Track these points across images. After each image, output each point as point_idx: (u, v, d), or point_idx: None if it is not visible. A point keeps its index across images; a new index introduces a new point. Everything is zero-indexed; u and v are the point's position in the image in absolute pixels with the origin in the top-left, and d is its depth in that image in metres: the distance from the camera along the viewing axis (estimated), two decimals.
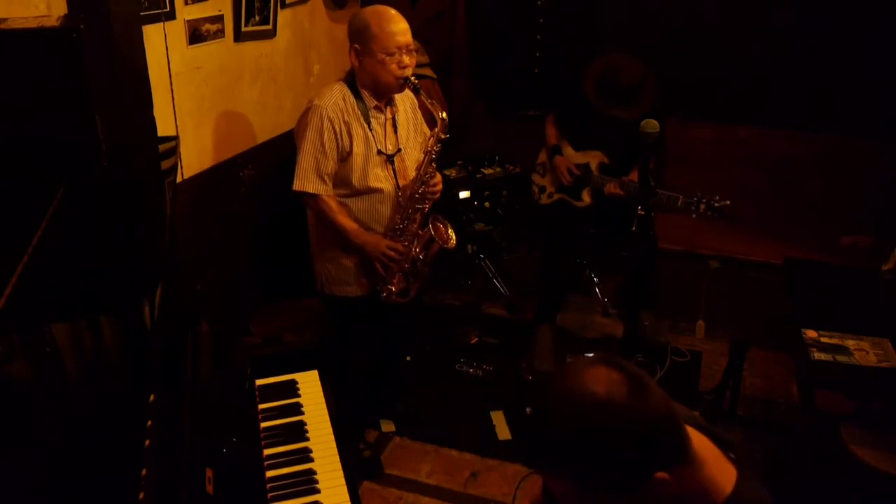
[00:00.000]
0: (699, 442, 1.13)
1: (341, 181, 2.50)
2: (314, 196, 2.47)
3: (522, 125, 4.31)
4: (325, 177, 2.46)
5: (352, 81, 2.49)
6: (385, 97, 2.51)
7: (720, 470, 1.12)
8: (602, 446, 1.02)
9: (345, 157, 2.46)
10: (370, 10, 2.42)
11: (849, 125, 3.93)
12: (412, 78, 2.41)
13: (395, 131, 2.56)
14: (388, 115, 2.54)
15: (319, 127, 2.41)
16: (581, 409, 1.03)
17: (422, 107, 2.69)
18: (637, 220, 2.70)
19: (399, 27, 2.38)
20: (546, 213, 3.70)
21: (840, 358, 2.36)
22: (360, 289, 2.62)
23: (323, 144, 2.42)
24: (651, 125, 2.58)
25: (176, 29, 2.61)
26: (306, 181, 2.45)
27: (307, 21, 3.44)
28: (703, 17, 4.08)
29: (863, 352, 2.39)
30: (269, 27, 3.13)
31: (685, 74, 3.90)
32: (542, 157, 3.70)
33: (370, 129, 2.47)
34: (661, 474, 1.03)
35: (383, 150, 2.51)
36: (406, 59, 2.40)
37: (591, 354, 1.11)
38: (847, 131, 3.96)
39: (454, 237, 2.64)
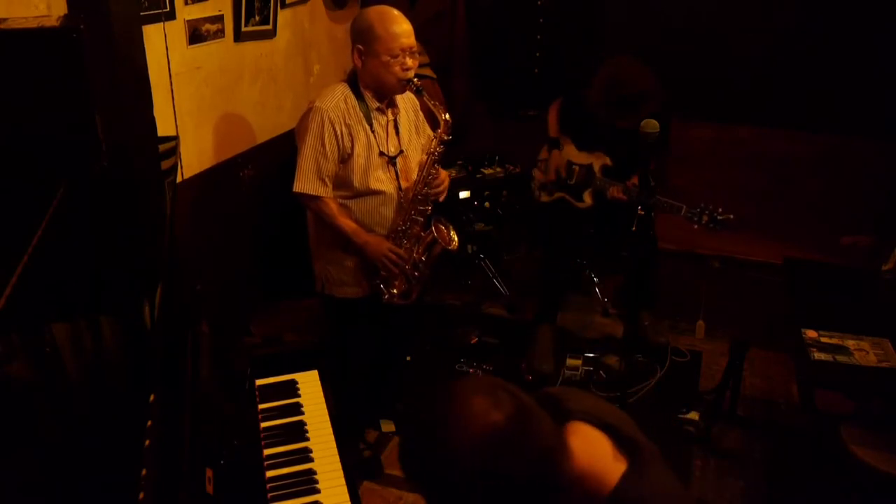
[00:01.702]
0: (592, 438, 1.11)
1: (342, 183, 2.49)
2: (315, 198, 2.47)
3: (522, 125, 4.32)
4: (326, 179, 2.45)
5: (354, 82, 2.48)
6: (387, 98, 2.50)
7: (606, 470, 1.10)
8: (440, 470, 1.01)
9: (346, 158, 2.46)
10: (374, 11, 2.40)
11: (849, 125, 3.93)
12: (415, 80, 2.41)
13: (397, 133, 2.55)
14: (390, 117, 2.54)
15: (320, 129, 2.40)
16: (431, 430, 1.02)
17: (423, 108, 2.69)
18: (637, 220, 2.69)
19: (403, 29, 2.37)
20: (546, 213, 3.70)
21: (840, 358, 2.36)
22: (360, 290, 2.62)
23: (324, 146, 2.41)
24: (651, 125, 2.58)
25: (176, 29, 2.61)
26: (307, 183, 2.44)
27: (307, 21, 3.44)
28: (703, 17, 4.08)
29: (863, 352, 2.39)
30: (269, 27, 3.13)
31: (685, 74, 3.90)
32: (544, 153, 3.70)
33: (372, 131, 2.47)
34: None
35: (385, 152, 2.50)
36: (409, 62, 2.39)
37: (477, 378, 1.09)
38: (847, 131, 3.96)
39: (456, 239, 2.64)
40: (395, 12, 2.40)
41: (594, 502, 1.08)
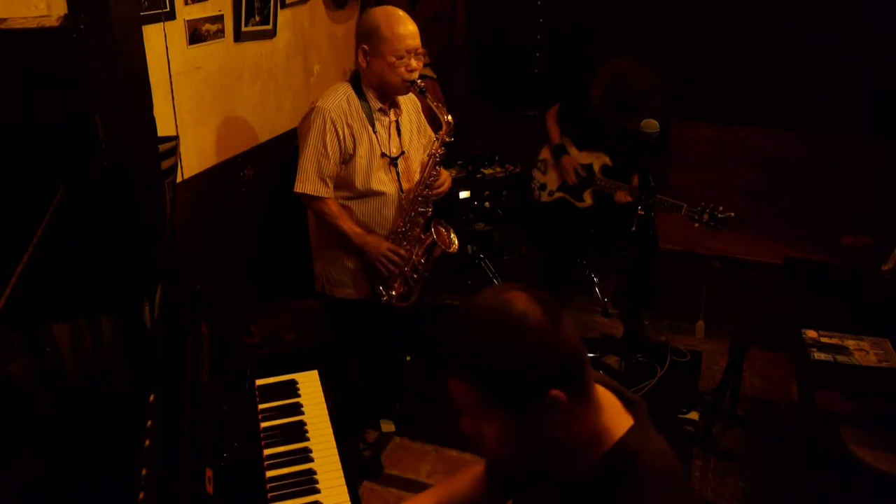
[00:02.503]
0: (602, 393, 1.17)
1: (344, 184, 2.49)
2: (315, 198, 2.47)
3: (522, 125, 4.32)
4: (327, 179, 2.45)
5: (356, 82, 2.48)
6: (390, 99, 2.50)
7: (616, 419, 1.16)
8: (507, 357, 1.05)
9: (347, 159, 2.45)
10: (381, 12, 2.40)
11: (849, 125, 3.93)
12: (419, 81, 2.41)
13: (399, 134, 2.55)
14: (393, 118, 2.54)
15: (322, 129, 2.40)
16: (494, 320, 1.07)
17: (425, 108, 2.69)
18: (637, 220, 2.69)
19: (409, 31, 2.37)
20: (546, 213, 3.70)
21: (840, 358, 2.36)
22: (360, 291, 2.62)
23: (325, 147, 2.41)
24: (651, 125, 2.58)
25: (176, 29, 2.61)
26: (307, 183, 2.44)
27: (307, 21, 3.44)
28: (703, 17, 4.08)
29: (863, 352, 2.39)
30: (269, 27, 3.13)
31: (685, 74, 3.90)
32: (544, 153, 3.70)
33: (374, 132, 2.47)
34: (556, 392, 1.06)
35: (387, 153, 2.50)
36: (414, 63, 2.39)
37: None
38: (847, 131, 3.96)
39: (456, 241, 2.64)
40: (402, 13, 2.40)
41: (598, 445, 1.13)
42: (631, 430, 1.14)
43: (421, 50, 2.42)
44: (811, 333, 2.48)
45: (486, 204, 4.16)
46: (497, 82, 4.55)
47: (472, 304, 1.14)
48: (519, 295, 1.09)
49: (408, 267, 2.57)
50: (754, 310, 3.51)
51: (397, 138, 2.55)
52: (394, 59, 2.36)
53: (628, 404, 1.19)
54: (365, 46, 2.40)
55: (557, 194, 3.61)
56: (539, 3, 4.27)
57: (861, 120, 3.90)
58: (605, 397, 1.17)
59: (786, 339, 2.68)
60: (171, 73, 2.61)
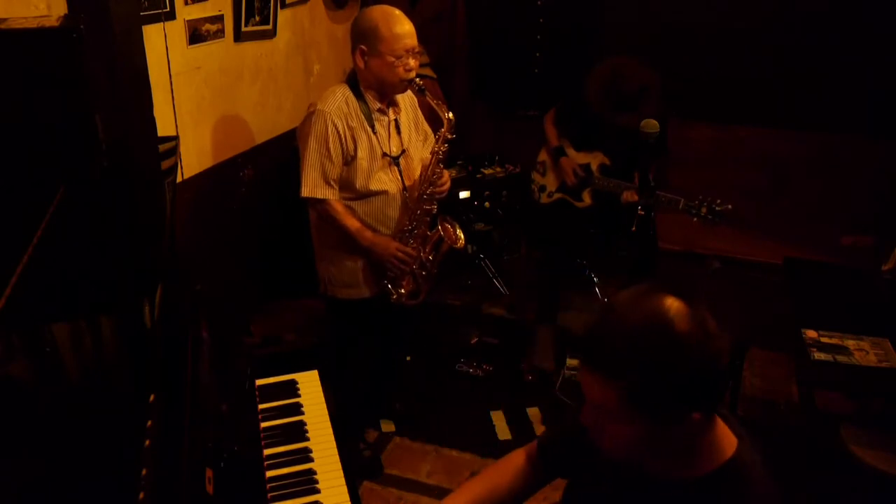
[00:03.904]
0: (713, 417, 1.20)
1: (346, 185, 2.49)
2: (321, 201, 2.46)
3: (522, 125, 4.31)
4: (332, 181, 2.45)
5: (354, 83, 2.48)
6: (388, 98, 2.50)
7: (726, 435, 1.21)
8: (665, 369, 1.07)
9: (349, 161, 2.45)
10: (378, 11, 2.40)
11: (849, 125, 3.93)
12: (417, 80, 2.41)
13: (399, 132, 2.55)
14: (392, 117, 2.54)
15: (324, 132, 2.40)
16: (658, 333, 1.07)
17: (424, 106, 2.69)
18: (637, 220, 2.69)
19: (407, 30, 2.37)
20: (546, 213, 3.70)
21: (840, 358, 2.35)
22: (365, 290, 2.61)
23: (328, 150, 2.40)
24: (651, 125, 2.58)
25: (176, 29, 2.61)
26: (315, 188, 2.43)
27: (307, 21, 3.44)
28: (703, 17, 4.08)
29: (863, 352, 2.39)
30: (269, 27, 3.13)
31: (685, 74, 3.90)
32: (543, 155, 3.70)
33: (374, 132, 2.47)
34: (697, 415, 1.09)
35: (388, 153, 2.50)
36: (412, 62, 2.39)
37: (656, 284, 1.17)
38: (847, 131, 3.96)
39: (463, 237, 2.64)
40: (399, 13, 2.40)
41: (710, 457, 1.18)
42: (740, 447, 1.20)
43: (418, 48, 2.42)
44: (811, 333, 2.48)
45: (486, 204, 4.16)
46: (497, 82, 4.55)
47: (632, 305, 1.12)
48: (682, 310, 1.08)
49: (416, 265, 2.57)
50: (754, 310, 3.51)
51: (397, 137, 2.55)
52: (392, 58, 2.36)
53: (725, 419, 1.24)
54: (363, 47, 2.39)
55: (557, 195, 3.61)
56: (539, 3, 4.27)
57: (861, 120, 3.90)
58: (716, 419, 1.21)
59: (786, 339, 2.68)
60: (171, 73, 2.61)
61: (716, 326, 1.09)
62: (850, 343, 2.43)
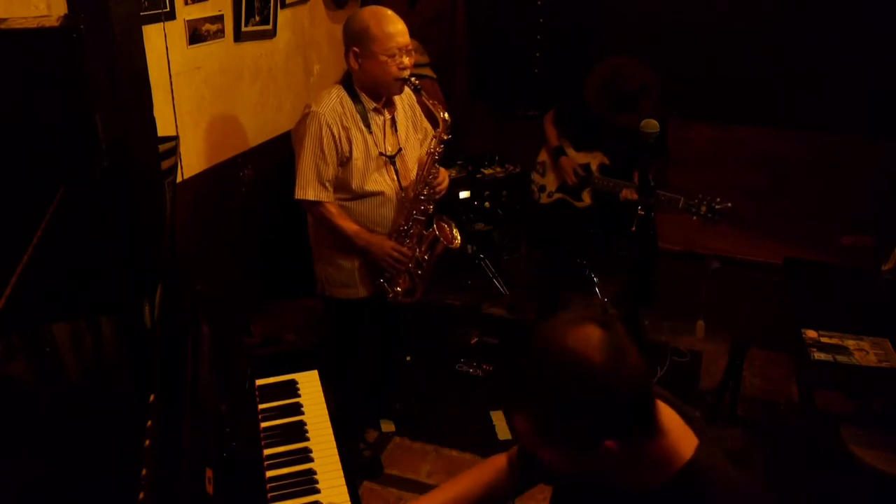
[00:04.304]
0: (666, 414, 1.19)
1: (342, 186, 2.49)
2: (316, 203, 2.47)
3: (522, 125, 4.31)
4: (327, 183, 2.45)
5: (349, 84, 2.47)
6: (383, 98, 2.50)
7: (682, 438, 1.19)
8: (564, 400, 1.08)
9: (344, 162, 2.45)
10: (368, 12, 2.40)
11: (849, 125, 3.93)
12: (412, 78, 2.41)
13: (395, 131, 2.55)
14: (387, 116, 2.53)
15: (318, 134, 2.40)
16: (556, 361, 1.09)
17: (421, 105, 2.69)
18: (637, 220, 2.69)
19: (398, 28, 2.37)
20: (546, 213, 3.70)
21: (840, 358, 2.36)
22: (362, 290, 2.62)
23: (323, 151, 2.40)
24: (651, 125, 2.58)
25: (176, 29, 2.61)
26: (308, 189, 2.44)
27: (307, 21, 3.44)
28: (703, 17, 4.08)
29: (863, 352, 2.39)
30: (269, 27, 3.13)
31: (685, 74, 3.90)
32: (543, 156, 3.70)
33: (370, 132, 2.47)
34: (609, 443, 1.09)
35: (384, 153, 2.50)
36: (406, 60, 2.39)
37: (583, 310, 1.20)
38: (847, 131, 3.96)
39: (459, 237, 2.65)
40: (389, 12, 2.40)
41: (665, 465, 1.17)
42: (699, 449, 1.18)
43: (411, 46, 2.41)
44: (811, 333, 2.48)
45: (486, 204, 4.16)
46: (497, 82, 4.55)
47: (543, 337, 1.14)
48: (585, 333, 1.09)
49: (412, 264, 2.57)
50: (754, 310, 3.51)
51: (393, 136, 2.54)
52: (385, 58, 2.35)
53: (689, 420, 1.22)
54: (355, 48, 2.39)
55: (557, 195, 3.62)
56: (539, 3, 4.27)
57: (861, 120, 3.90)
58: (669, 418, 1.19)
59: (786, 339, 2.68)
60: (171, 73, 2.61)
61: (631, 356, 1.09)
62: (850, 343, 2.43)
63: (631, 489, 1.20)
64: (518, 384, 1.14)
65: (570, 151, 3.55)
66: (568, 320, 1.14)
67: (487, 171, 4.17)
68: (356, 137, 2.44)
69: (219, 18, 2.82)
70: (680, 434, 1.19)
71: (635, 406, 1.11)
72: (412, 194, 2.52)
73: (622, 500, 1.23)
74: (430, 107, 2.45)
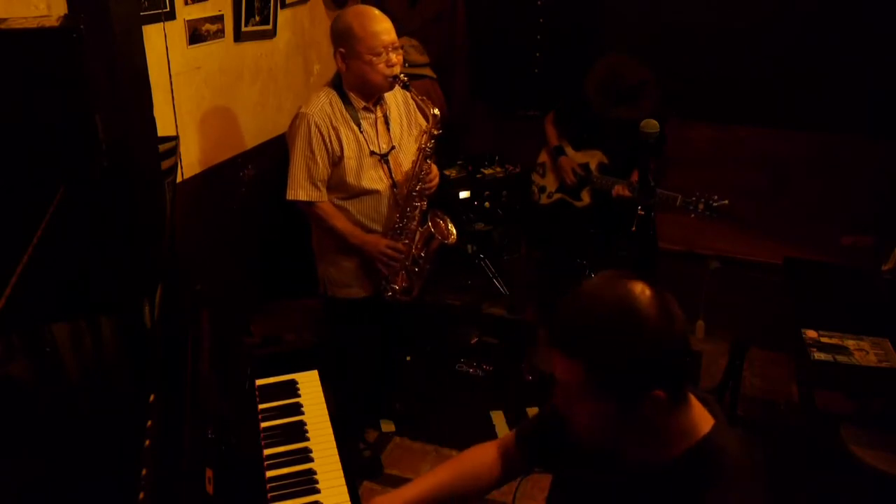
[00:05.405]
0: (690, 395, 1.22)
1: (336, 185, 2.49)
2: (309, 203, 2.47)
3: (522, 125, 4.31)
4: (318, 183, 2.45)
5: (338, 85, 2.47)
6: (374, 97, 2.50)
7: (701, 416, 1.22)
8: (622, 346, 1.10)
9: (337, 161, 2.45)
10: (352, 12, 2.39)
11: (849, 125, 3.93)
12: (401, 75, 2.40)
13: (388, 129, 2.55)
14: (379, 114, 2.53)
15: (307, 134, 2.40)
16: (617, 308, 1.12)
17: (414, 101, 2.69)
18: (637, 220, 2.69)
19: (383, 26, 2.36)
20: (546, 213, 3.70)
21: (840, 358, 2.35)
22: (362, 290, 2.62)
23: (312, 151, 2.41)
24: (651, 125, 2.57)
25: (176, 29, 2.61)
26: (299, 189, 2.44)
27: (307, 21, 3.44)
28: (703, 17, 4.08)
29: (863, 352, 2.39)
30: (269, 27, 3.13)
31: (685, 74, 3.90)
32: (543, 157, 3.70)
33: (361, 131, 2.46)
34: (659, 392, 1.11)
35: (376, 151, 2.50)
36: (394, 58, 2.38)
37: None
38: (847, 131, 3.96)
39: (454, 232, 2.64)
40: (374, 10, 2.39)
41: (683, 439, 1.19)
42: (715, 428, 1.21)
43: (398, 43, 2.40)
44: (811, 333, 2.48)
45: (486, 204, 4.16)
46: (497, 82, 4.55)
47: (596, 287, 1.18)
48: (644, 291, 1.12)
49: (408, 261, 2.57)
50: (754, 310, 3.50)
51: (386, 134, 2.54)
52: (371, 56, 2.34)
53: (704, 402, 1.25)
54: (341, 49, 2.38)
55: (557, 196, 3.62)
56: (539, 3, 4.27)
57: (861, 120, 3.90)
58: (692, 396, 1.22)
59: (786, 339, 2.68)
60: (171, 73, 2.61)
61: (680, 313, 1.13)
62: (850, 343, 2.43)
63: (641, 463, 1.21)
64: (576, 333, 1.14)
65: (570, 151, 3.55)
66: (616, 276, 1.17)
67: (487, 171, 4.17)
68: (347, 137, 2.44)
69: (219, 18, 2.82)
70: (699, 410, 1.22)
71: (683, 358, 1.15)
72: (405, 191, 2.52)
73: (623, 483, 1.24)
74: (420, 102, 2.45)
